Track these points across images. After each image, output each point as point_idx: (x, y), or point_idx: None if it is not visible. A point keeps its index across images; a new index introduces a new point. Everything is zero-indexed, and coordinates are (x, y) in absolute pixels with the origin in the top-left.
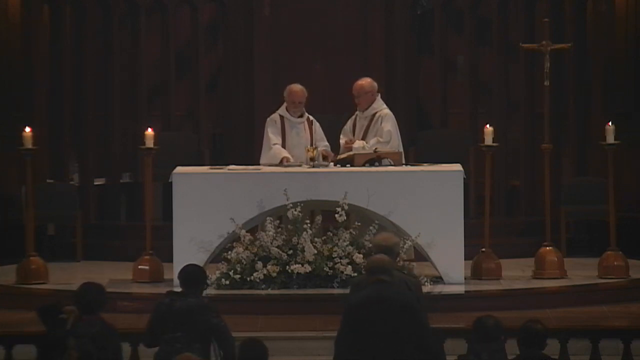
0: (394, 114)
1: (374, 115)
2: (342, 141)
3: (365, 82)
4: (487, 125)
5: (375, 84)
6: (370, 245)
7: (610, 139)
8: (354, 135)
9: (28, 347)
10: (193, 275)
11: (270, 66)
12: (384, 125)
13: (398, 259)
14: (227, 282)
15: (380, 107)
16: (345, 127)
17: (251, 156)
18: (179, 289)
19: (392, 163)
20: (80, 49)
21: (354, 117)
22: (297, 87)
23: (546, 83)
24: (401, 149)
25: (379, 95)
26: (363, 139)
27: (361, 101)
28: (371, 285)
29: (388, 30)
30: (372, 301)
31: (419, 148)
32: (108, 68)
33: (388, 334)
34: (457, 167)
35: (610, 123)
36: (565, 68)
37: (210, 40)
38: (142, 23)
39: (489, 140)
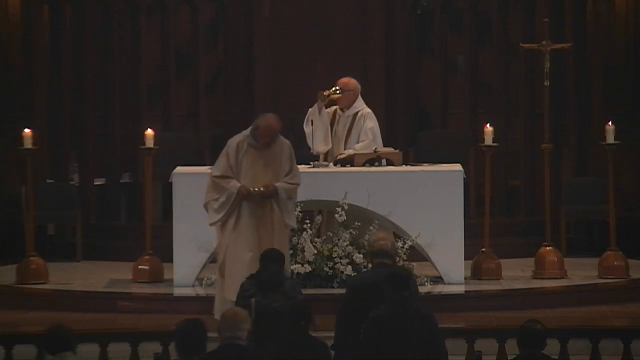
0: (394, 113)
1: (356, 114)
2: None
3: (350, 80)
4: (487, 125)
5: (359, 86)
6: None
7: (610, 139)
8: (332, 133)
9: (28, 347)
10: (273, 256)
11: (270, 66)
12: (367, 123)
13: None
14: None
15: (362, 106)
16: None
17: None
18: None
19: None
20: (80, 49)
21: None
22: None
23: (546, 83)
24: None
25: (360, 96)
26: (346, 139)
27: (343, 98)
28: (374, 268)
29: (388, 30)
30: (374, 283)
31: (419, 148)
32: (108, 68)
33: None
34: (457, 167)
35: (610, 123)
36: (565, 68)
37: (210, 40)
38: (142, 23)
39: (489, 140)
